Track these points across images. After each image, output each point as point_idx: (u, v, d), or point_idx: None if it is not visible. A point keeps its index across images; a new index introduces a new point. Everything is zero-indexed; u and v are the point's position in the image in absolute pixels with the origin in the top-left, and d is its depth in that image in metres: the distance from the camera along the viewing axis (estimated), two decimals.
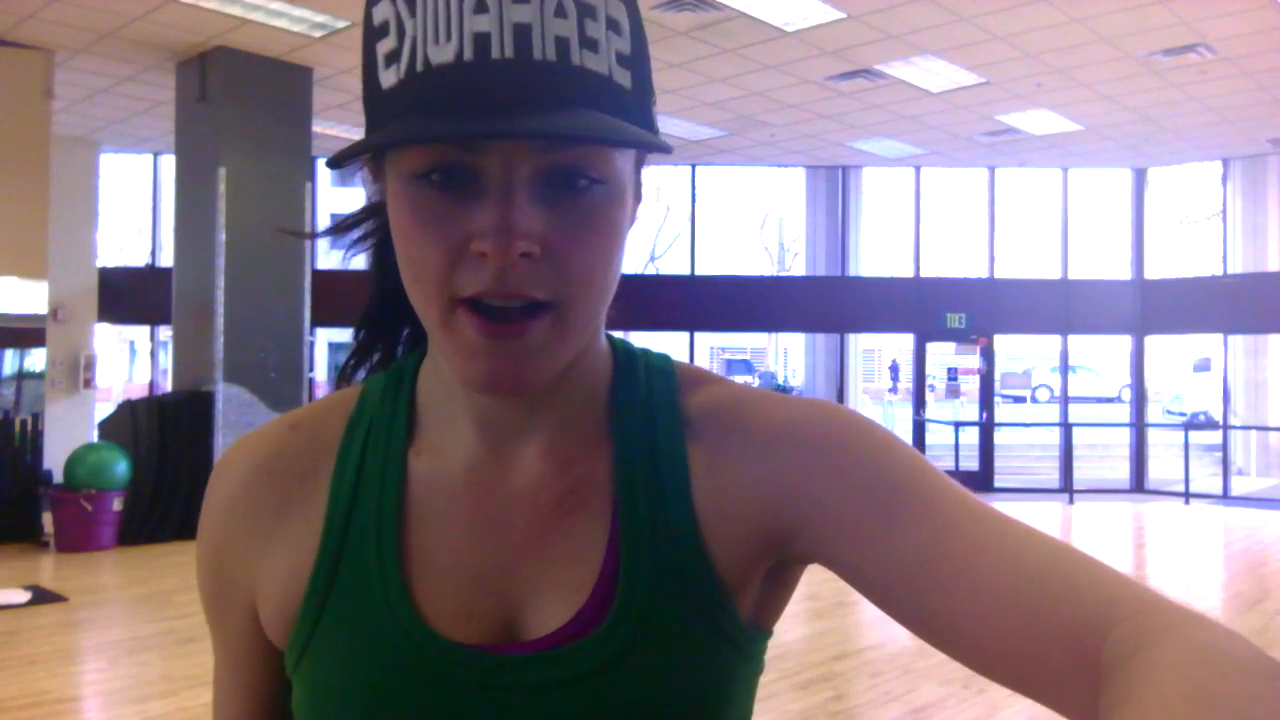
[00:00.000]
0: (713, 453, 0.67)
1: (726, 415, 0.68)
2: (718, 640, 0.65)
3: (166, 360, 12.91)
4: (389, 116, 0.58)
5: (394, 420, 0.70)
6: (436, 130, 0.55)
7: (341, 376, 0.78)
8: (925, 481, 0.62)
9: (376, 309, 0.77)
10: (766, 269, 26.24)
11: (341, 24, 8.00)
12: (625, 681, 0.63)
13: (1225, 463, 13.38)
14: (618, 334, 0.75)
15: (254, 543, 0.70)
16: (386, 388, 0.73)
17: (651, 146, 0.59)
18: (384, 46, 0.59)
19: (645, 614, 0.63)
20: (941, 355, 14.50)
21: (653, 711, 0.63)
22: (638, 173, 0.66)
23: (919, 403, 13.86)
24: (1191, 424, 15.74)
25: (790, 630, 5.86)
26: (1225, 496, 12.86)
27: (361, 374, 0.78)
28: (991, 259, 13.80)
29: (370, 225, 0.74)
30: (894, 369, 25.82)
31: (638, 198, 0.67)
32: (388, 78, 0.58)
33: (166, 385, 11.79)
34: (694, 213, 13.93)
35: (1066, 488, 12.73)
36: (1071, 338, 13.77)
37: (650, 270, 23.80)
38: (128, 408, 8.98)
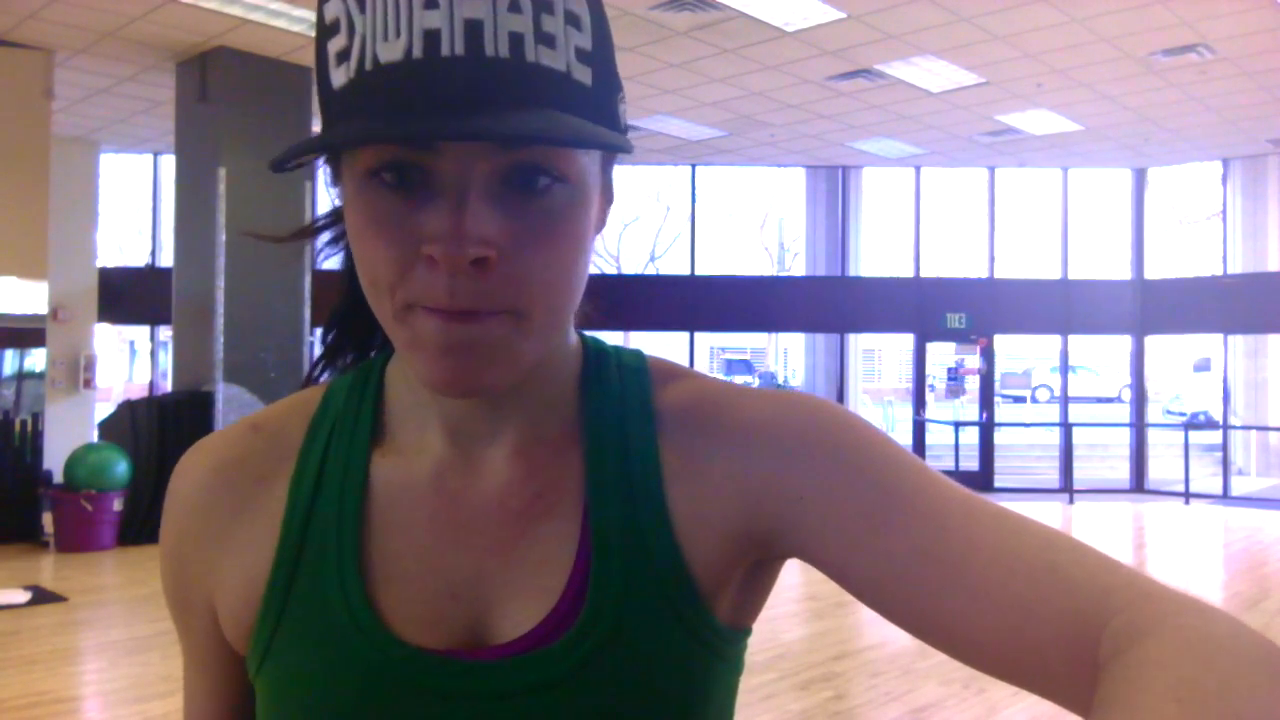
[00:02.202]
0: (687, 452, 0.65)
1: (701, 412, 0.66)
2: (692, 644, 0.63)
3: (166, 360, 12.91)
4: (338, 117, 0.56)
5: (359, 420, 0.69)
6: (380, 132, 0.53)
7: (309, 379, 0.76)
8: (912, 477, 0.60)
9: (347, 311, 0.75)
10: (766, 269, 26.22)
11: None
12: (595, 687, 0.61)
13: (1225, 463, 13.37)
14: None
15: (211, 548, 0.68)
16: (352, 386, 0.71)
17: (608, 146, 0.55)
18: (335, 45, 0.56)
19: (616, 618, 0.62)
20: (942, 355, 14.50)
21: (624, 718, 0.61)
22: (606, 173, 0.63)
23: (919, 402, 13.86)
24: (1191, 424, 15.72)
25: (790, 630, 5.86)
26: (1225, 496, 12.84)
27: (328, 376, 0.76)
28: (991, 259, 13.79)
29: (341, 228, 0.72)
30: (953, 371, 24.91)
31: (607, 199, 0.64)
32: (338, 77, 0.56)
33: (166, 385, 11.78)
34: (694, 213, 13.92)
35: (1066, 488, 12.73)
36: (1071, 338, 13.77)
37: (650, 270, 23.82)
38: (128, 408, 8.99)
